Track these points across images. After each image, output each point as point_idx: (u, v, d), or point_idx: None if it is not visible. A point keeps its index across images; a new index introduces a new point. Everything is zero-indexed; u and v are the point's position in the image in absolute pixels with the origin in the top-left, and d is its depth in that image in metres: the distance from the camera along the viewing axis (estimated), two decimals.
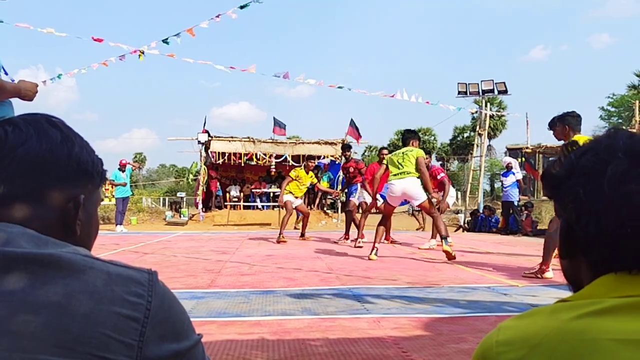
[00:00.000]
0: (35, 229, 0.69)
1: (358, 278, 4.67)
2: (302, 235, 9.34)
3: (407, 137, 6.60)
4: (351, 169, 8.74)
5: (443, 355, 2.33)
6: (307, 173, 8.97)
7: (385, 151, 8.39)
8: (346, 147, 9.28)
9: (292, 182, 8.84)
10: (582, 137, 4.88)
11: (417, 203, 6.36)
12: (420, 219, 14.20)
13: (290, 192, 8.79)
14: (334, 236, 9.77)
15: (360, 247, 7.77)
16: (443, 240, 5.92)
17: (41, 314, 0.59)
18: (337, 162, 16.26)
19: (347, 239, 8.71)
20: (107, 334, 0.61)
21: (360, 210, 8.51)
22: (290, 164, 16.37)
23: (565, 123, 4.95)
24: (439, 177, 8.30)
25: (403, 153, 6.30)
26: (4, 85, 2.46)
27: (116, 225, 12.40)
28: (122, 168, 12.48)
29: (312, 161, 9.27)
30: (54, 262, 0.63)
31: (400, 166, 6.18)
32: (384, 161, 6.70)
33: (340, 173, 12.94)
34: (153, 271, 0.71)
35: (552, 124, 5.24)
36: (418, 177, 6.17)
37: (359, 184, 8.53)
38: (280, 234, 8.65)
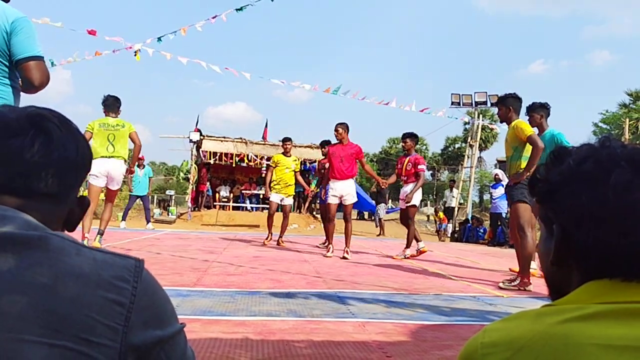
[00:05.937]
0: (48, 224, 0.72)
1: (345, 283, 4.67)
2: (279, 237, 8.83)
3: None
4: (327, 165, 8.24)
5: None
6: (288, 155, 8.36)
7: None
8: (326, 143, 8.61)
9: (274, 169, 8.33)
10: (521, 122, 4.93)
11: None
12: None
13: (277, 188, 8.27)
14: (321, 240, 9.75)
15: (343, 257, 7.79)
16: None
17: (28, 295, 0.60)
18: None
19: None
20: (93, 317, 0.62)
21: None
22: None
23: (507, 105, 4.98)
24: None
25: None
26: None
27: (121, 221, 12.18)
28: (139, 164, 11.24)
29: (289, 142, 8.39)
30: (42, 244, 0.64)
31: None
32: None
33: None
34: (140, 259, 0.71)
35: (498, 103, 5.24)
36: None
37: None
38: (269, 234, 8.43)
